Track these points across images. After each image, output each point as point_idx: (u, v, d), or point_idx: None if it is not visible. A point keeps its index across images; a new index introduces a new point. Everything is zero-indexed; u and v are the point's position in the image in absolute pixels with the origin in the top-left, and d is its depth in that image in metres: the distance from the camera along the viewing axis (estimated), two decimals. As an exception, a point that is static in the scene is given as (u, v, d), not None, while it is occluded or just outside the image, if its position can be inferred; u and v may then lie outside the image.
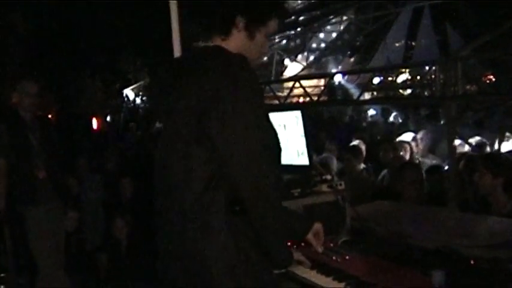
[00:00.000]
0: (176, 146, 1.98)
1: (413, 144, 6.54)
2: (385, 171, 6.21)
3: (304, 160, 3.22)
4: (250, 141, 1.87)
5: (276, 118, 3.20)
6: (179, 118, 1.96)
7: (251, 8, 2.03)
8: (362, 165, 6.38)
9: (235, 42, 2.04)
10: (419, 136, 7.03)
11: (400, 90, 13.89)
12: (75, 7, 15.53)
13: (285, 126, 3.25)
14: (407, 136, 7.06)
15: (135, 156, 10.09)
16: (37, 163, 4.87)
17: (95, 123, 16.92)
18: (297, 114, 3.21)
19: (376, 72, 8.23)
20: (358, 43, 18.39)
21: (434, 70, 5.67)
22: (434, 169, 5.54)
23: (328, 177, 3.16)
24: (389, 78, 15.60)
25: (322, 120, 12.77)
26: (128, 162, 9.00)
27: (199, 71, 1.93)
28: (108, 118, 19.59)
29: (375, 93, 15.41)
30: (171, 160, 2.00)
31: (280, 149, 2.01)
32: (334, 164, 6.26)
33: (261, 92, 2.04)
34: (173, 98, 2.01)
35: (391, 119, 11.90)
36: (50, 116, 11.63)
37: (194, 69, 1.95)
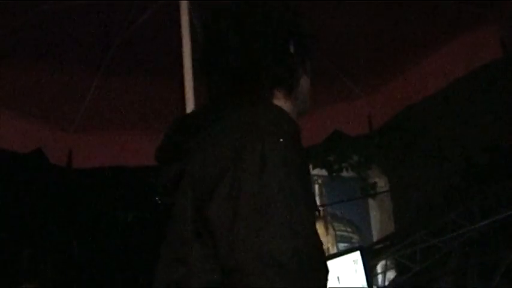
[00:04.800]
0: (171, 237, 1.32)
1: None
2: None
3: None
4: (275, 243, 1.09)
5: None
6: (180, 197, 1.31)
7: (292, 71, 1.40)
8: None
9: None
10: None
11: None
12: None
13: (338, 278, 2.25)
14: None
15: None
16: None
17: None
18: (355, 257, 2.28)
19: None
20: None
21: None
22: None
23: None
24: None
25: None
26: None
27: (213, 131, 1.31)
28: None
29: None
30: (167, 258, 1.32)
31: (327, 271, 1.20)
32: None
33: (305, 164, 1.31)
34: (177, 167, 1.35)
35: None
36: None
37: (205, 130, 1.33)
